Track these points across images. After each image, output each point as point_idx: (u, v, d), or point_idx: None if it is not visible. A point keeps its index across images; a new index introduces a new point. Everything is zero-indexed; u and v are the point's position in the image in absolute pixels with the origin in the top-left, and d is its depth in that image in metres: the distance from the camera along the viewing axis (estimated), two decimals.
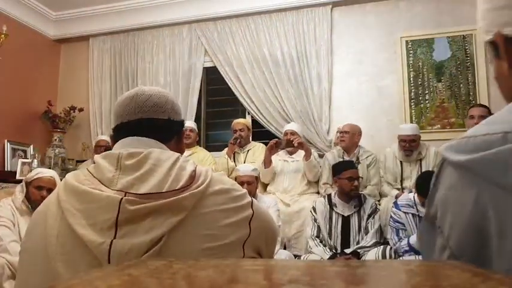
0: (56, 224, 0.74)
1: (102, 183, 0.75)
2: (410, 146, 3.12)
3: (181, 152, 0.94)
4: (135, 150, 0.80)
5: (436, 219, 0.57)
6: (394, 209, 2.66)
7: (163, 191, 0.73)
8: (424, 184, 2.46)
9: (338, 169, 2.82)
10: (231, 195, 0.80)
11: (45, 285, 0.67)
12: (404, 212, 2.60)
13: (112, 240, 0.69)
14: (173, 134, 0.91)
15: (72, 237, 0.71)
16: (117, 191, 0.73)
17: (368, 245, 2.63)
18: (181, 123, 0.95)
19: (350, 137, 3.34)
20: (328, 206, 2.81)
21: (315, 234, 2.77)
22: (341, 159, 3.39)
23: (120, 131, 0.88)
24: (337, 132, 3.57)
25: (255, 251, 0.82)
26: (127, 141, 0.85)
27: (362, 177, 3.06)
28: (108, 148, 3.93)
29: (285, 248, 2.93)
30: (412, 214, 2.58)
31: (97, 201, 0.72)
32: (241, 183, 2.74)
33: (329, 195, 2.88)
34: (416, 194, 2.58)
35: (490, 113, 3.00)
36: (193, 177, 0.77)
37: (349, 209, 2.76)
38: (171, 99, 0.91)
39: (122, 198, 0.71)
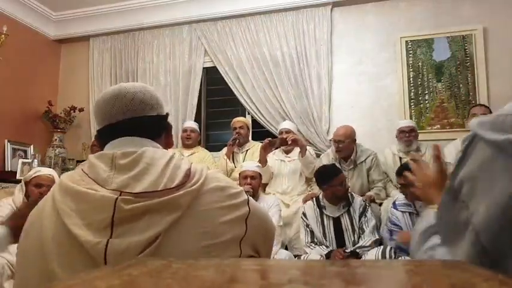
0: (51, 224, 0.73)
1: (97, 183, 0.75)
2: (409, 135, 3.22)
3: (170, 146, 0.93)
4: (129, 149, 0.79)
5: (460, 193, 0.55)
6: (392, 210, 2.64)
7: (159, 189, 0.73)
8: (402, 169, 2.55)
9: (326, 178, 2.69)
10: (227, 193, 0.79)
11: (42, 286, 0.67)
12: (402, 212, 2.59)
13: (108, 240, 0.69)
14: (162, 129, 0.90)
15: (67, 237, 0.71)
16: (112, 190, 0.73)
17: (367, 244, 2.60)
18: (167, 116, 0.93)
19: (346, 146, 3.22)
20: (318, 210, 2.77)
21: (309, 241, 2.75)
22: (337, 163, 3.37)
23: (109, 132, 0.85)
24: (330, 140, 3.53)
25: (252, 248, 0.82)
26: (118, 141, 0.83)
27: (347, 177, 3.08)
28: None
29: (286, 249, 2.93)
30: (410, 213, 2.58)
31: (92, 201, 0.72)
32: (245, 178, 2.80)
33: (317, 198, 2.83)
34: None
35: (491, 113, 2.99)
36: (188, 175, 0.77)
37: (338, 210, 2.73)
38: (154, 94, 0.89)
39: (117, 198, 0.71)
